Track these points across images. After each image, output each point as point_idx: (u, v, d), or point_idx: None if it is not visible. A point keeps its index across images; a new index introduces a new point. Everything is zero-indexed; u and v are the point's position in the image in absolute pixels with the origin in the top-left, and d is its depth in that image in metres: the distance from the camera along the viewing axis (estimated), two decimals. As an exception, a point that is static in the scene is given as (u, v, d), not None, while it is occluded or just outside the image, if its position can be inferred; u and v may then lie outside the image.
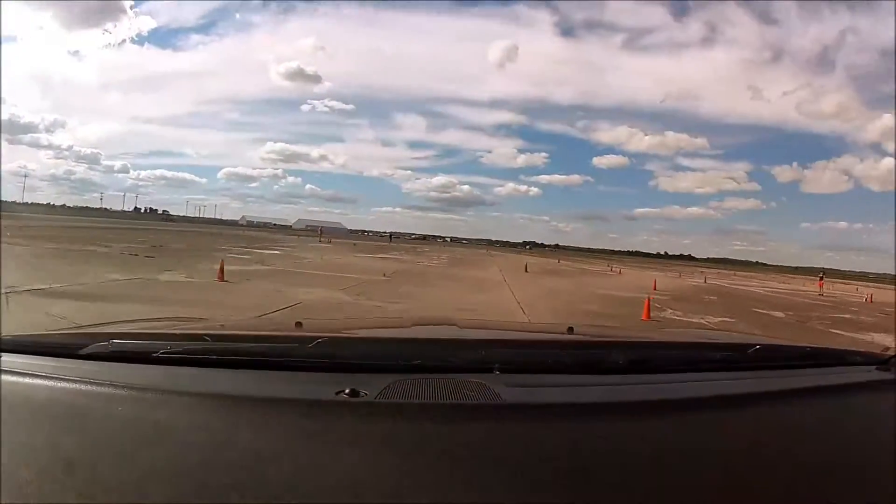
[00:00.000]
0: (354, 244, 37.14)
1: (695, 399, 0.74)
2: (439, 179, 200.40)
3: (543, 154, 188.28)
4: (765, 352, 0.94)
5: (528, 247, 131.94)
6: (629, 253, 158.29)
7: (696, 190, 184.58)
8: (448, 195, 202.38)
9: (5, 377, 0.76)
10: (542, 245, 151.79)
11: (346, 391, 0.69)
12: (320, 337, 0.86)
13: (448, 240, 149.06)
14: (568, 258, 51.34)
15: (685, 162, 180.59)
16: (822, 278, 22.35)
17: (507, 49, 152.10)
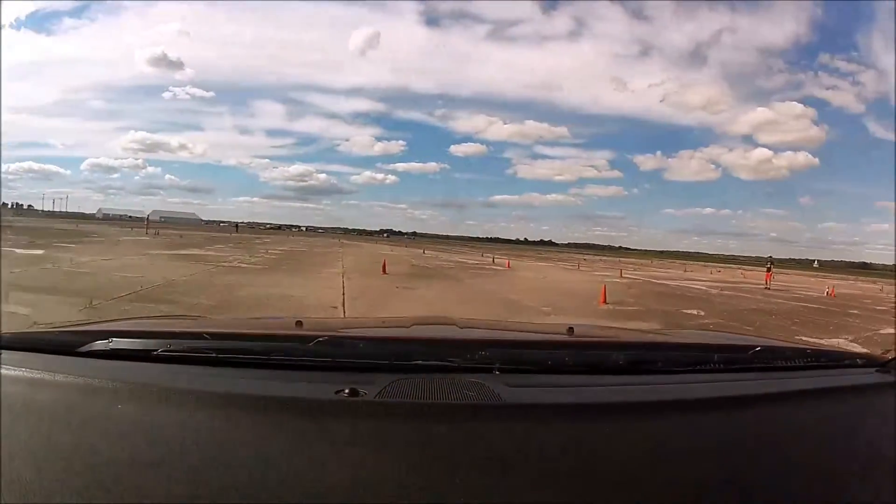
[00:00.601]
0: (181, 235, 31.89)
1: (695, 400, 0.74)
2: (297, 168, 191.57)
3: (401, 142, 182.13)
4: (766, 353, 0.94)
5: (384, 234, 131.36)
6: (488, 239, 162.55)
7: (556, 177, 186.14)
8: (305, 184, 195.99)
9: (5, 374, 0.75)
10: (400, 233, 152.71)
11: (346, 391, 0.69)
12: (320, 336, 0.86)
13: (304, 228, 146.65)
14: (430, 247, 46.80)
15: (545, 150, 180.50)
16: (770, 269, 18.60)
17: (369, 37, 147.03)
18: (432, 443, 0.60)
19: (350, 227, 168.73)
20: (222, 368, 0.81)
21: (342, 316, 6.55)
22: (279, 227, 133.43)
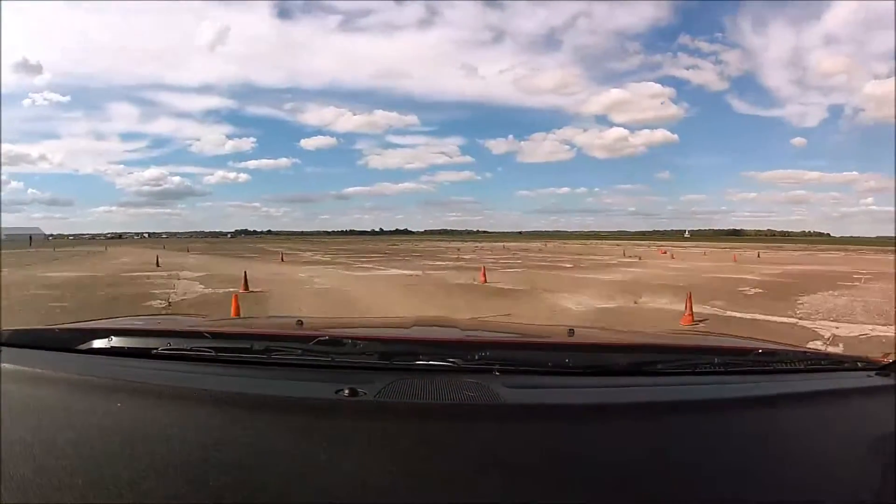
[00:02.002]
0: None
1: (694, 402, 0.75)
2: (151, 172, 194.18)
3: (251, 139, 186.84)
4: (766, 356, 0.94)
5: (234, 235, 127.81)
6: (343, 233, 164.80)
7: (407, 166, 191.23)
8: (160, 188, 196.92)
9: (5, 370, 0.76)
10: (254, 232, 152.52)
11: (346, 390, 0.69)
12: (320, 336, 0.86)
13: (146, 235, 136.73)
14: (278, 244, 43.90)
15: (395, 139, 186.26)
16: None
17: (218, 31, 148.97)
18: (432, 443, 0.60)
19: (207, 231, 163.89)
20: (222, 367, 0.81)
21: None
22: (120, 236, 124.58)
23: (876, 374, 0.86)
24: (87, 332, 0.94)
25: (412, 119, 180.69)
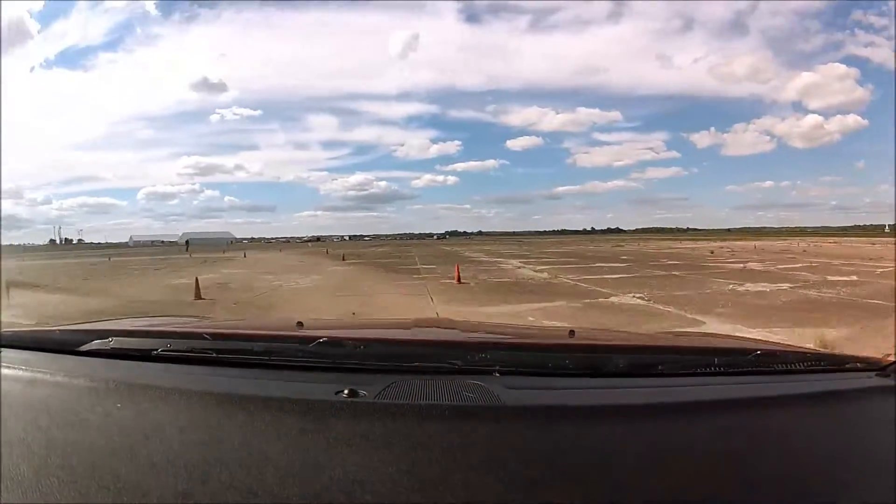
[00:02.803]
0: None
1: (694, 403, 0.74)
2: (356, 178, 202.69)
3: (456, 142, 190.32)
4: (766, 356, 0.94)
5: (444, 236, 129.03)
6: (555, 232, 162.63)
7: (615, 163, 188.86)
8: (366, 192, 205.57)
9: (5, 372, 0.76)
10: (464, 233, 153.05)
11: (346, 391, 0.69)
12: (320, 337, 0.86)
13: (346, 238, 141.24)
14: (504, 244, 42.44)
15: (601, 136, 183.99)
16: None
17: (408, 39, 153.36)
18: (432, 444, 0.60)
19: (417, 232, 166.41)
20: (222, 368, 0.82)
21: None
22: (318, 239, 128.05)
23: (876, 375, 0.86)
24: (86, 334, 0.94)
25: (615, 115, 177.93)
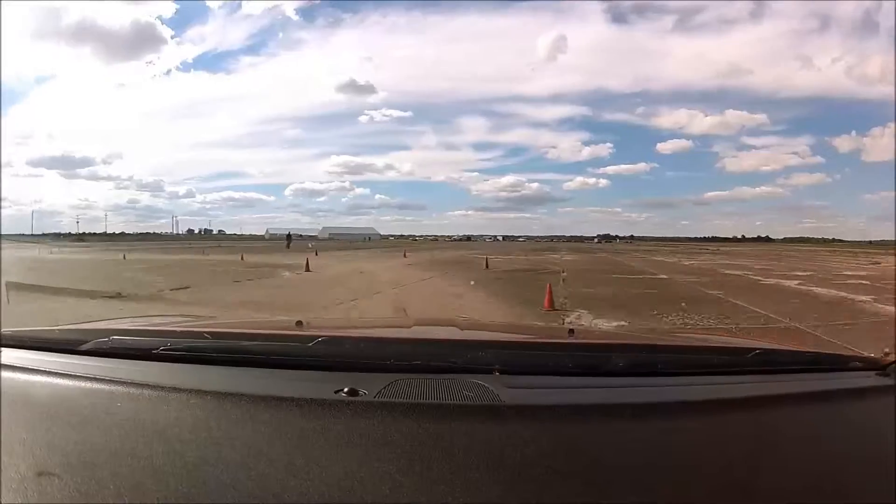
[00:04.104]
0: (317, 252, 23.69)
1: (694, 402, 0.74)
2: (508, 179, 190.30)
3: (608, 144, 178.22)
4: (765, 356, 0.94)
5: (597, 240, 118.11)
6: (704, 239, 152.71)
7: (762, 168, 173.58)
8: (518, 194, 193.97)
9: (5, 372, 0.76)
10: (615, 237, 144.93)
11: (345, 390, 0.69)
12: (320, 336, 0.86)
13: (500, 238, 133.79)
14: (674, 251, 34.54)
15: (748, 140, 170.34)
16: None
17: (555, 41, 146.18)
18: (431, 443, 0.60)
19: (568, 235, 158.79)
20: (222, 368, 0.81)
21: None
22: (468, 238, 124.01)
23: (876, 375, 0.86)
24: (87, 333, 0.94)
25: (762, 118, 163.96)
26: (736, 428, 0.69)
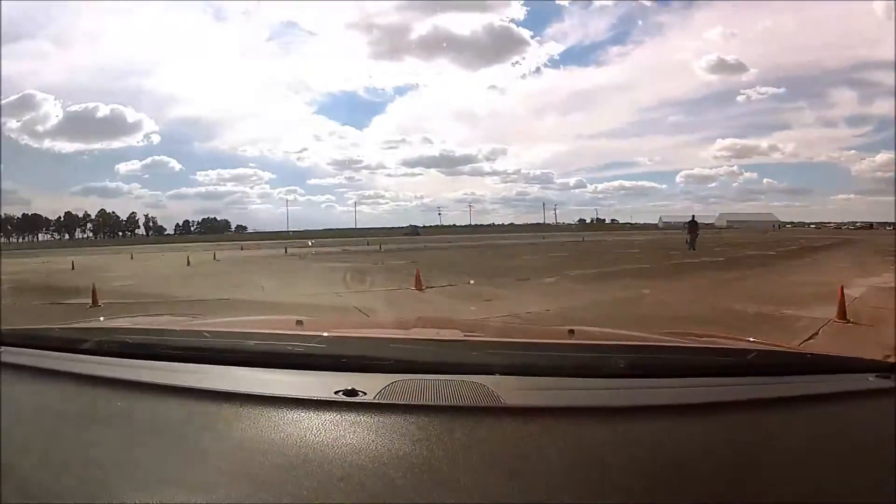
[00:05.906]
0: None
1: (694, 404, 0.74)
2: (881, 157, 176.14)
3: None
4: (764, 357, 0.94)
5: None
6: None
7: None
8: (890, 174, 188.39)
9: (5, 370, 0.76)
10: None
11: (346, 390, 0.69)
12: (320, 336, 0.86)
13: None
14: None
15: None
16: None
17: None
18: (431, 444, 0.59)
19: None
20: (222, 367, 0.81)
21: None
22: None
23: (876, 377, 0.86)
24: (86, 332, 0.94)
25: None
26: (736, 430, 0.69)
